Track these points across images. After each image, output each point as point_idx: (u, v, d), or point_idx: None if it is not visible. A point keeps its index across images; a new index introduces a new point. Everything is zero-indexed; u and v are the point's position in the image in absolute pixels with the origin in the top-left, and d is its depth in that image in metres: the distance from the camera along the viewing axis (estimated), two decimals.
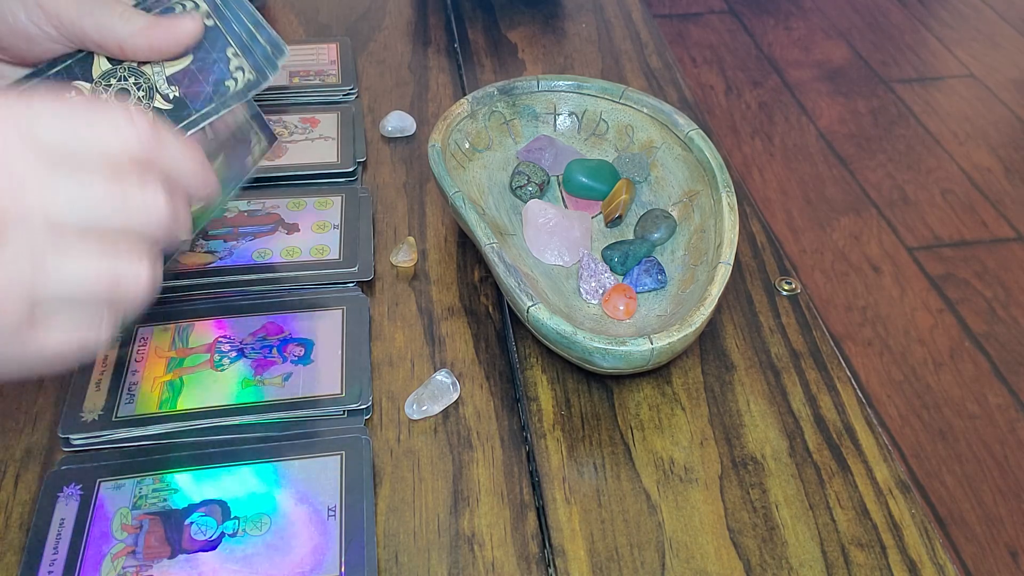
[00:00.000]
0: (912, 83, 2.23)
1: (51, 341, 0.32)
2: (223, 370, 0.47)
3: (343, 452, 0.44)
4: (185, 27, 0.43)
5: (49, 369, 0.33)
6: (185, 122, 0.45)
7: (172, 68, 0.45)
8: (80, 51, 0.44)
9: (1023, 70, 2.28)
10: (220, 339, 0.49)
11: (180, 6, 0.45)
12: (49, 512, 0.41)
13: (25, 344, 0.31)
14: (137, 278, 0.33)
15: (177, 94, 0.45)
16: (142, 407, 0.45)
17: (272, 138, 0.48)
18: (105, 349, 0.35)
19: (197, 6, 0.45)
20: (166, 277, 0.53)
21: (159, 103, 0.44)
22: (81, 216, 0.31)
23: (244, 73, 0.46)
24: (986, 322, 1.60)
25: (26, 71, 0.44)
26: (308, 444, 0.44)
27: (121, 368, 0.47)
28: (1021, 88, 2.22)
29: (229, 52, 0.45)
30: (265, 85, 0.46)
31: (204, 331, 0.50)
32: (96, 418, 0.45)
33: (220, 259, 0.54)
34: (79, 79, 0.44)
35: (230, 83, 0.45)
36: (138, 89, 0.45)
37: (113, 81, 0.45)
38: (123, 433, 0.44)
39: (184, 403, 0.46)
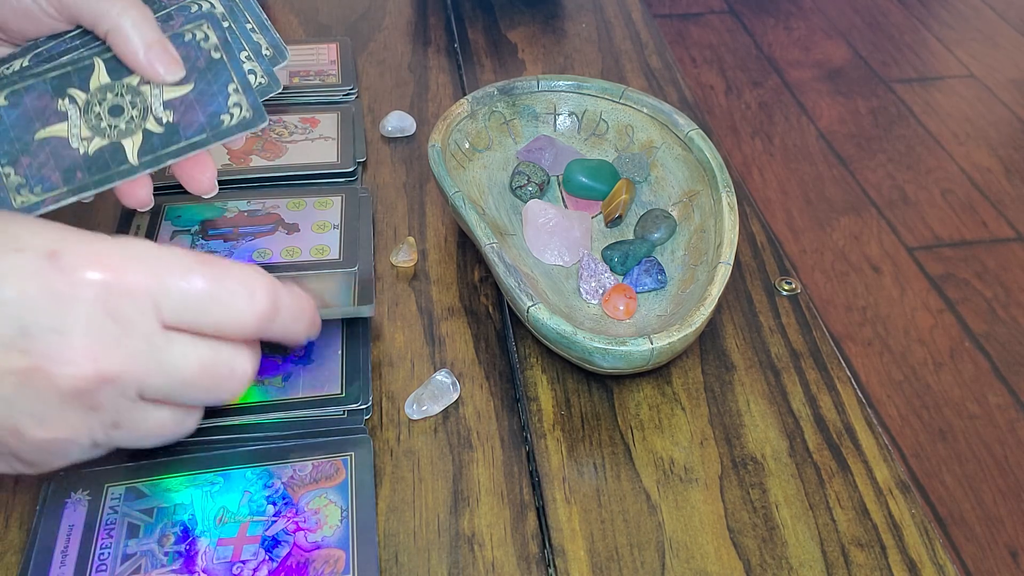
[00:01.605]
0: (912, 83, 2.23)
1: (152, 422, 0.35)
2: None
3: (352, 453, 0.44)
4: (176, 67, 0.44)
5: (141, 445, 0.36)
6: (173, 148, 0.45)
7: (171, 93, 0.45)
8: (80, 56, 0.44)
9: (1023, 70, 2.28)
10: None
11: (191, 34, 0.46)
12: (57, 517, 0.41)
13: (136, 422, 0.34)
14: (242, 369, 0.35)
15: (171, 120, 0.45)
16: None
17: (262, 118, 0.47)
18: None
19: (207, 37, 0.46)
20: None
21: (151, 125, 0.45)
22: (170, 382, 0.34)
23: (241, 110, 0.46)
24: (986, 322, 1.60)
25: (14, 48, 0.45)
26: (315, 445, 0.44)
27: None
28: (1021, 88, 2.22)
29: (230, 88, 0.46)
30: (261, 127, 0.47)
31: None
32: None
33: None
34: (76, 87, 0.45)
35: (225, 117, 0.46)
36: (132, 108, 0.45)
37: (110, 96, 0.45)
38: None
39: None
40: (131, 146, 0.44)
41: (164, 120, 0.45)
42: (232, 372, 0.35)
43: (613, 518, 0.43)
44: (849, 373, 0.51)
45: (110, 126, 0.44)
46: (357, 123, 0.66)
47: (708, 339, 0.52)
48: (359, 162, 0.62)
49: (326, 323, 0.50)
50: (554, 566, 0.41)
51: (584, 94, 0.61)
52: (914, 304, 1.63)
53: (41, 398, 0.31)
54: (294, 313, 0.37)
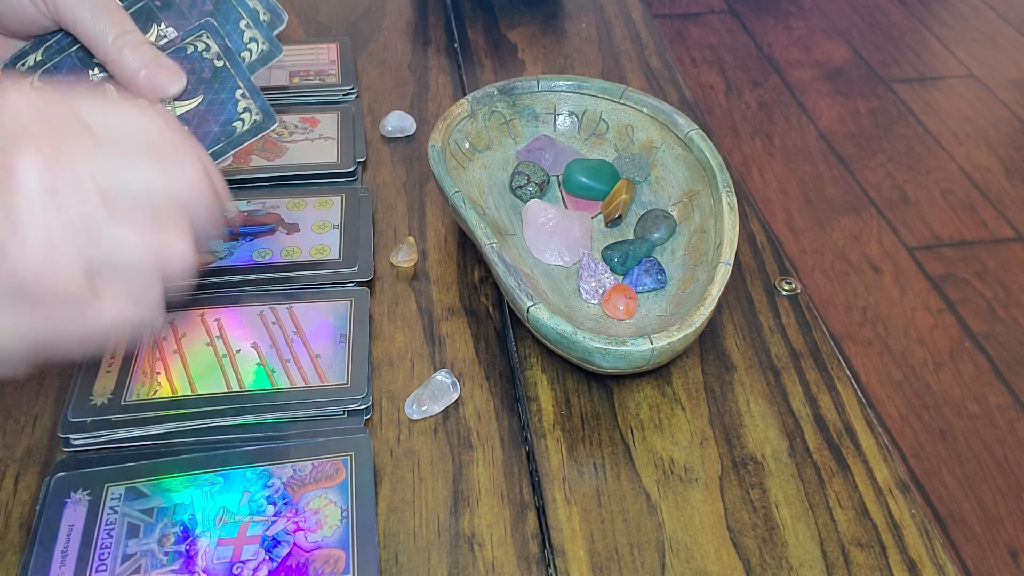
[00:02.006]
0: (912, 83, 2.23)
1: (107, 311, 0.34)
2: (227, 358, 0.47)
3: (352, 453, 0.44)
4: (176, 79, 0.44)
5: (105, 343, 0.35)
6: None
7: (183, 108, 0.46)
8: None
9: (1023, 70, 2.28)
10: (223, 330, 0.49)
11: (192, 47, 0.46)
12: (57, 517, 0.41)
13: (86, 314, 0.33)
14: (182, 250, 0.35)
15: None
16: (151, 392, 0.45)
17: (272, 120, 0.48)
18: (153, 330, 0.37)
19: (208, 47, 0.46)
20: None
21: None
22: (128, 186, 0.33)
23: (251, 115, 0.47)
24: (986, 322, 1.60)
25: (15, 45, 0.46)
26: (315, 446, 0.44)
27: (129, 360, 0.47)
28: (1021, 88, 2.22)
29: (237, 94, 0.46)
30: (272, 128, 0.47)
31: (208, 325, 0.50)
32: (106, 402, 0.45)
33: (220, 259, 0.54)
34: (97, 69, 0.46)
35: (237, 124, 0.46)
36: None
37: None
38: (123, 433, 0.44)
39: (195, 389, 0.46)
40: None
41: None
42: (178, 247, 0.35)
43: (613, 518, 0.43)
44: (849, 373, 0.51)
45: None
46: (357, 123, 0.66)
47: (708, 339, 0.52)
48: (359, 162, 0.62)
49: (331, 306, 0.50)
50: (554, 566, 0.41)
51: (584, 94, 0.61)
52: (914, 304, 1.63)
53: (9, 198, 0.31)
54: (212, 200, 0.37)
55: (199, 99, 0.46)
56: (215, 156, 0.46)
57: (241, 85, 0.46)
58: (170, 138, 0.35)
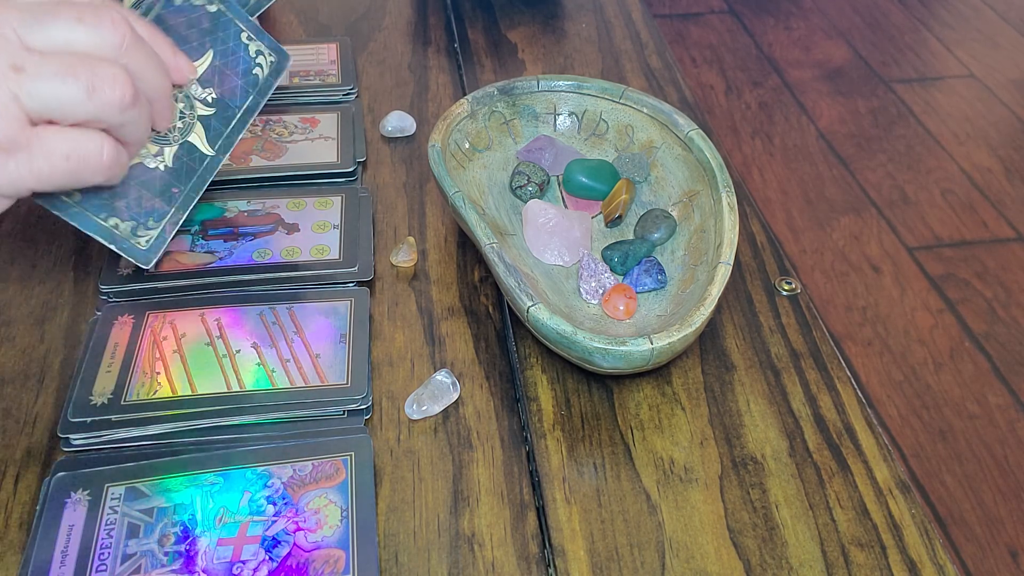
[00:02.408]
0: (912, 83, 2.23)
1: (55, 142, 0.37)
2: (227, 358, 0.47)
3: (352, 453, 0.44)
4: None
5: (65, 176, 0.38)
6: (234, 122, 0.45)
7: (200, 68, 0.45)
8: None
9: (1023, 70, 2.28)
10: (223, 330, 0.49)
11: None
12: (57, 517, 0.41)
13: (32, 145, 0.36)
14: (113, 78, 0.37)
15: (214, 96, 0.45)
16: (151, 392, 0.45)
17: (286, 56, 0.48)
18: (109, 166, 0.39)
19: None
20: (168, 277, 0.53)
21: (201, 109, 0.45)
22: (55, 45, 0.36)
23: (266, 57, 0.46)
24: (986, 322, 1.60)
25: None
26: (315, 446, 0.44)
27: (129, 360, 0.47)
28: (1021, 88, 2.22)
29: (243, 37, 0.45)
30: (289, 64, 0.47)
31: (208, 325, 0.50)
32: (106, 402, 0.45)
33: (220, 259, 0.54)
34: None
35: (257, 70, 0.46)
36: (178, 103, 0.46)
37: None
38: (123, 433, 0.44)
39: (195, 389, 0.46)
40: (199, 139, 0.45)
41: (208, 99, 0.45)
42: (105, 71, 0.37)
43: (613, 518, 0.43)
44: (849, 373, 0.51)
45: (169, 131, 0.45)
46: (357, 123, 0.66)
47: (708, 339, 0.52)
48: (359, 162, 0.62)
49: (331, 306, 0.50)
50: (554, 566, 0.41)
51: (584, 94, 0.61)
52: (914, 304, 1.63)
53: None
54: (145, 54, 0.39)
55: (209, 54, 0.45)
56: (252, 110, 0.46)
57: (244, 27, 0.45)
58: (110, 54, 0.38)
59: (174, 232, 0.46)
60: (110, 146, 0.38)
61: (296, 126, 0.65)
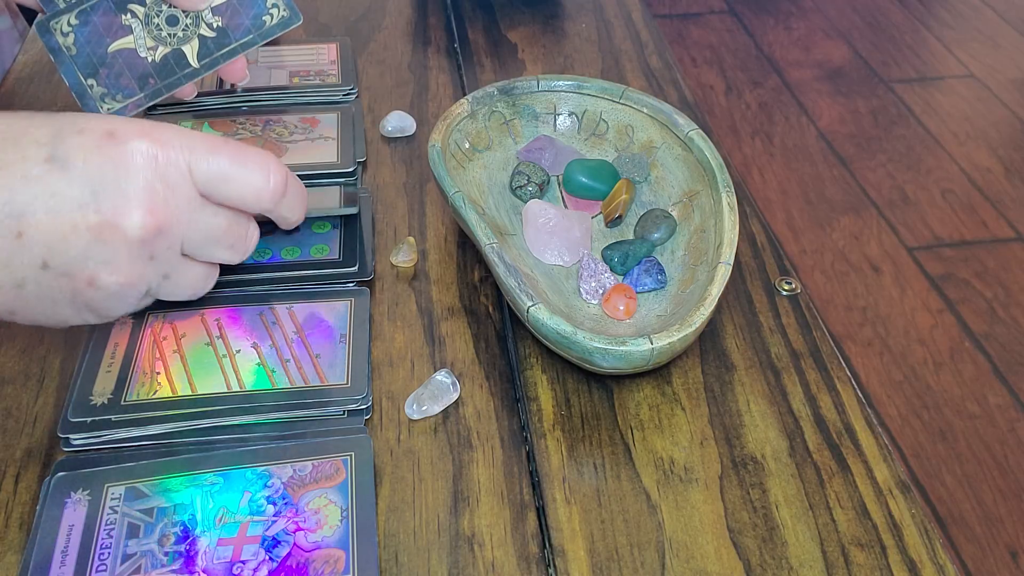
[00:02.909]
0: (912, 83, 2.23)
1: (191, 273, 0.45)
2: (227, 358, 0.47)
3: (352, 453, 0.44)
4: None
5: (176, 297, 0.45)
6: (226, 50, 0.52)
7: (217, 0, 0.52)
8: None
9: (1023, 70, 2.28)
10: (223, 330, 0.49)
11: None
12: (57, 517, 0.41)
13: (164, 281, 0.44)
14: (247, 242, 0.46)
15: (220, 24, 0.51)
16: (151, 392, 0.45)
17: (298, 17, 0.55)
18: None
19: None
20: None
21: (204, 31, 0.52)
22: (203, 238, 0.43)
23: (279, 10, 0.53)
24: (986, 322, 1.60)
25: None
26: (315, 445, 0.44)
27: (129, 360, 0.47)
28: (1021, 88, 2.22)
29: None
30: (297, 25, 0.54)
31: (208, 325, 0.50)
32: (106, 402, 0.45)
33: None
34: (134, 2, 0.51)
35: (267, 18, 0.52)
36: (186, 17, 0.52)
37: (164, 7, 0.52)
38: (123, 433, 0.44)
39: (195, 389, 0.46)
40: (191, 51, 0.51)
41: (214, 25, 0.52)
42: (247, 234, 0.45)
43: (613, 518, 0.43)
44: (849, 373, 0.51)
45: (170, 35, 0.52)
46: (357, 123, 0.66)
47: (708, 339, 0.52)
48: (359, 162, 0.62)
49: (331, 306, 0.50)
50: (554, 566, 0.41)
51: (584, 94, 0.61)
52: (914, 304, 1.63)
53: (112, 248, 0.39)
54: (298, 197, 0.46)
55: None
56: (246, 46, 0.52)
57: None
58: (265, 206, 0.44)
59: (134, 113, 0.51)
60: (211, 275, 0.47)
61: (296, 126, 0.65)
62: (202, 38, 0.51)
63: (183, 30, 0.51)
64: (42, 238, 0.38)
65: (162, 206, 0.40)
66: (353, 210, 0.55)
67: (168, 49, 0.51)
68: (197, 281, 0.45)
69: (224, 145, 0.42)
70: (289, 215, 0.46)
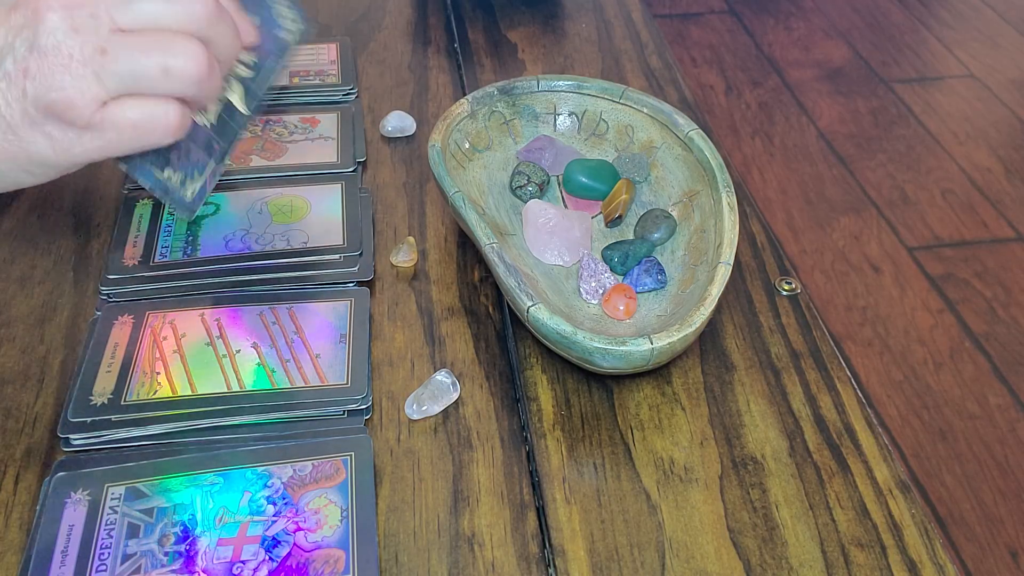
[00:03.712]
0: (912, 83, 2.23)
1: (126, 113, 0.39)
2: (227, 358, 0.47)
3: (352, 453, 0.44)
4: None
5: (133, 142, 0.41)
6: (262, 83, 0.48)
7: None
8: None
9: (1023, 70, 2.28)
10: (223, 330, 0.49)
11: None
12: (57, 517, 0.41)
13: (104, 120, 0.39)
14: (189, 51, 0.40)
15: (253, 60, 0.47)
16: (151, 392, 0.45)
17: (307, 25, 0.51)
18: (173, 128, 0.42)
19: None
20: (169, 277, 0.53)
21: (242, 71, 0.47)
22: (143, 21, 0.39)
23: (294, 23, 0.49)
24: (986, 322, 1.60)
25: None
26: (315, 445, 0.44)
27: (129, 360, 0.47)
28: (1021, 88, 2.22)
29: (276, 3, 0.48)
30: (309, 33, 0.49)
31: (208, 325, 0.50)
32: (106, 402, 0.45)
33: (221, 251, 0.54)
34: None
35: (284, 35, 0.48)
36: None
37: None
38: (123, 433, 0.44)
39: (195, 389, 0.46)
40: (238, 98, 0.47)
41: (249, 63, 0.47)
42: (185, 46, 0.40)
43: (613, 518, 0.43)
44: (849, 373, 0.51)
45: None
46: (357, 123, 0.66)
47: (708, 339, 0.52)
48: (359, 162, 0.62)
49: (331, 306, 0.50)
50: (554, 566, 0.41)
51: (584, 94, 0.61)
52: (914, 304, 1.63)
53: (31, 31, 0.38)
54: (232, 27, 0.42)
55: (256, 20, 0.47)
56: (276, 72, 0.49)
57: None
58: (196, 27, 0.40)
59: (214, 184, 0.48)
60: (176, 111, 0.41)
61: (296, 126, 0.65)
62: (243, 80, 0.48)
63: (224, 79, 0.47)
64: None
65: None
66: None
67: (219, 106, 0.47)
68: (150, 69, 0.39)
69: None
70: (226, 51, 0.42)
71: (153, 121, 0.40)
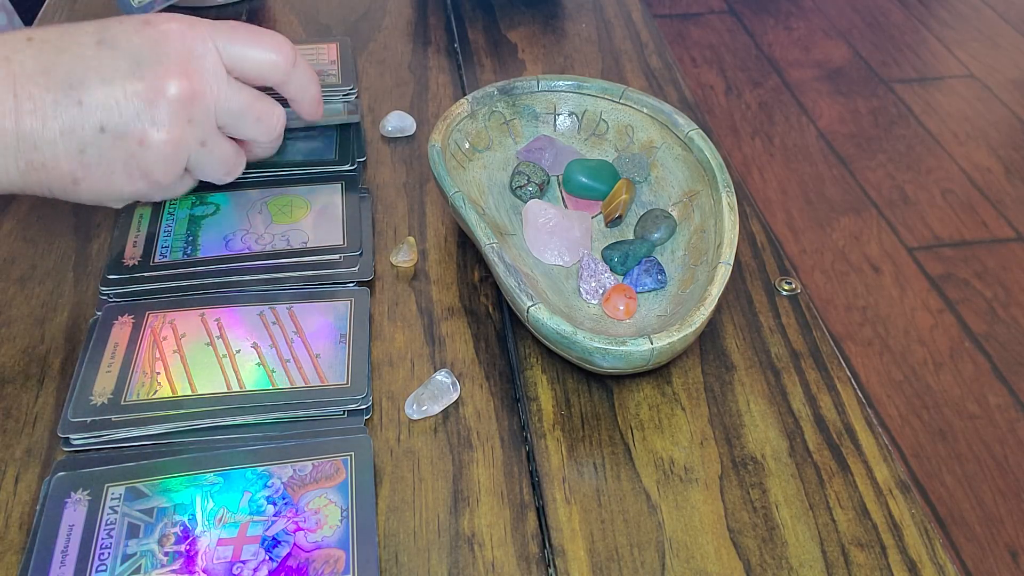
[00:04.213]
0: (912, 83, 2.23)
1: (223, 146, 0.50)
2: (227, 358, 0.47)
3: (352, 453, 0.44)
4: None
5: (212, 175, 0.51)
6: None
7: None
8: None
9: (1023, 70, 2.28)
10: (223, 330, 0.49)
11: None
12: (57, 517, 0.41)
13: (182, 180, 0.51)
14: (273, 118, 0.52)
15: None
16: (151, 392, 0.45)
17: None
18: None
19: None
20: (169, 277, 0.53)
21: None
22: (233, 108, 0.49)
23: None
24: (986, 322, 1.60)
25: None
26: (315, 445, 0.44)
27: (129, 360, 0.47)
28: (1021, 88, 2.22)
29: None
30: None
31: (208, 325, 0.50)
32: (106, 402, 0.45)
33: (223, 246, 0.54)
34: None
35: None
36: None
37: None
38: (123, 433, 0.44)
39: (195, 389, 0.46)
40: None
41: None
42: (273, 111, 0.51)
43: (613, 518, 0.43)
44: (849, 373, 0.51)
45: None
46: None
47: (708, 339, 0.52)
48: (359, 162, 0.62)
49: (331, 306, 0.50)
50: (554, 566, 0.41)
51: (584, 94, 0.61)
52: (914, 304, 1.63)
53: (157, 109, 0.46)
54: (308, 74, 0.54)
55: None
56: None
57: None
58: (281, 74, 0.52)
59: (160, 7, 0.59)
60: (242, 155, 0.52)
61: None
62: None
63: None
64: (98, 103, 0.45)
65: (195, 72, 0.47)
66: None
67: None
68: (230, 156, 0.50)
69: (242, 26, 0.50)
70: (302, 93, 0.54)
71: (214, 174, 0.51)
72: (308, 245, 0.55)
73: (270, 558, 0.40)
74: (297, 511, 0.41)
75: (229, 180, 0.52)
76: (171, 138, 0.46)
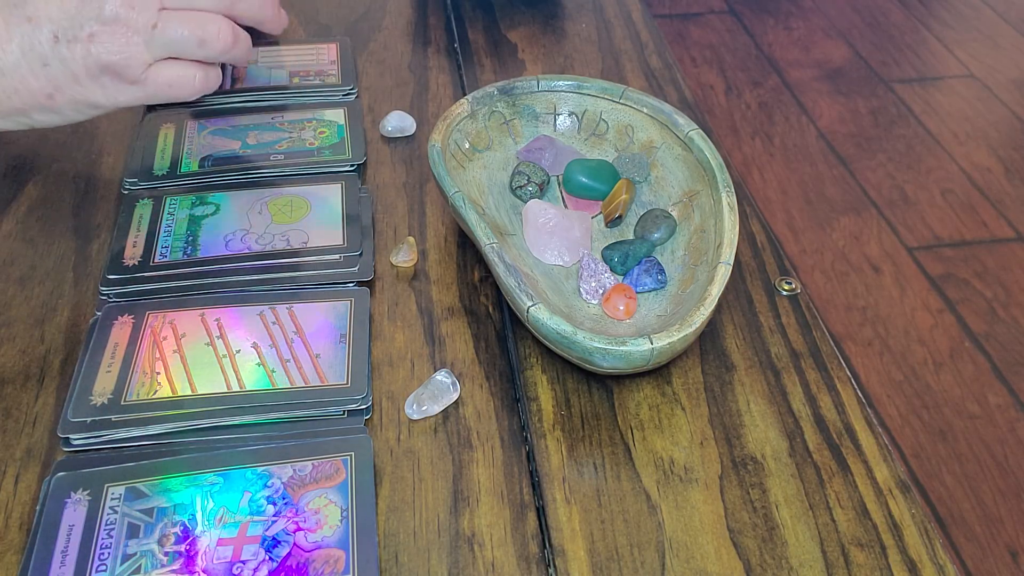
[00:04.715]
0: (912, 83, 2.23)
1: (164, 74, 0.53)
2: (227, 358, 0.47)
3: (352, 453, 0.44)
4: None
5: (166, 96, 0.54)
6: None
7: None
8: None
9: (1023, 70, 2.28)
10: (223, 330, 0.49)
11: None
12: (57, 518, 0.41)
13: (147, 78, 0.52)
14: (219, 34, 0.53)
15: None
16: (151, 392, 0.45)
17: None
18: (211, 86, 0.56)
19: None
20: (168, 277, 0.53)
21: None
22: (181, 3, 0.51)
23: None
24: (986, 322, 1.60)
25: None
26: (315, 445, 0.44)
27: (129, 360, 0.47)
28: (1021, 88, 2.22)
29: None
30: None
31: (208, 325, 0.50)
32: (106, 402, 0.45)
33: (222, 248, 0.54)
34: None
35: None
36: None
37: None
38: (123, 433, 0.44)
39: (195, 389, 0.46)
40: None
41: None
42: (214, 34, 0.52)
43: (613, 518, 0.43)
44: (849, 373, 0.51)
45: None
46: (357, 123, 0.66)
47: (708, 339, 0.52)
48: (359, 162, 0.62)
49: (331, 306, 0.50)
50: (554, 566, 0.41)
51: (584, 94, 0.61)
52: (914, 304, 1.63)
53: (96, 4, 0.48)
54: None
55: None
56: None
57: None
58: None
59: None
60: (202, 75, 0.54)
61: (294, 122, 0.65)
62: None
63: None
64: (44, 15, 0.48)
65: None
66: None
67: None
68: (194, 26, 0.52)
69: None
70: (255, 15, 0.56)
71: (183, 80, 0.53)
72: (308, 245, 0.55)
73: (270, 558, 0.40)
74: (297, 511, 0.41)
75: (216, 52, 0.53)
76: (116, 28, 0.49)
